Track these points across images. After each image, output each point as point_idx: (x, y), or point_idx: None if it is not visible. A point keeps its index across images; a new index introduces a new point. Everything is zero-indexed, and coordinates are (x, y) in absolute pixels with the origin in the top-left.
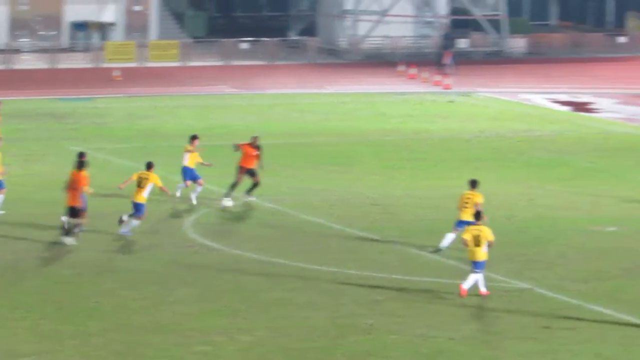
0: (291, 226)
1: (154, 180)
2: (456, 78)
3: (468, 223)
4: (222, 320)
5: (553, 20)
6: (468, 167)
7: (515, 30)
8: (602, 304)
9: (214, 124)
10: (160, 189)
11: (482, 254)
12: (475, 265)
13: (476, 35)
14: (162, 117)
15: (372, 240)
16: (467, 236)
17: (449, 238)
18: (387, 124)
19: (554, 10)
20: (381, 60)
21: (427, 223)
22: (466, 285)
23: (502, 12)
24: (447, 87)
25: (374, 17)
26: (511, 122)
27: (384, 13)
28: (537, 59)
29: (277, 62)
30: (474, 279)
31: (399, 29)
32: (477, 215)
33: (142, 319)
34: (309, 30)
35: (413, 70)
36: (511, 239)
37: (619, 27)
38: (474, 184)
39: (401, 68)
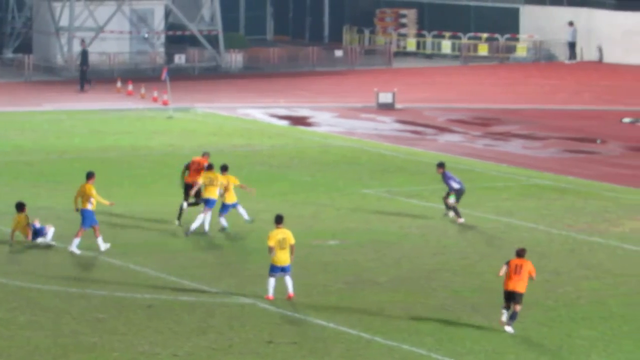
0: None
1: (234, 181)
2: (174, 94)
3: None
4: None
5: (270, 35)
6: None
7: (232, 45)
8: (325, 318)
9: None
10: (241, 186)
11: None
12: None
13: (193, 51)
14: None
15: (94, 257)
16: (272, 242)
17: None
18: (105, 141)
19: (270, 25)
20: (99, 77)
21: (147, 239)
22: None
23: (218, 28)
24: (165, 103)
25: (91, 34)
26: (230, 137)
27: (100, 29)
28: (254, 73)
29: None
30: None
31: (116, 45)
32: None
33: None
34: (25, 47)
35: (131, 87)
36: (232, 255)
37: (336, 41)
38: (210, 167)
39: (119, 84)
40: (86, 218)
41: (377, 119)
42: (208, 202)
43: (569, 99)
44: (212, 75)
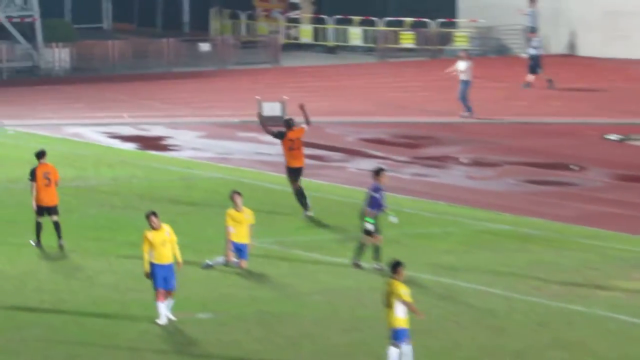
0: None
1: None
2: None
3: None
4: None
5: (107, 23)
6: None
7: (55, 37)
8: None
9: None
10: None
11: None
12: None
13: (1, 46)
14: None
15: None
16: None
17: None
18: None
19: (107, 9)
20: None
21: None
22: None
23: (34, 13)
24: None
25: None
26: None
27: None
28: (87, 77)
29: None
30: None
31: None
32: None
33: None
34: None
35: None
36: None
37: (201, 30)
38: None
39: None
40: None
41: (260, 138)
42: None
43: (532, 107)
44: (28, 79)
